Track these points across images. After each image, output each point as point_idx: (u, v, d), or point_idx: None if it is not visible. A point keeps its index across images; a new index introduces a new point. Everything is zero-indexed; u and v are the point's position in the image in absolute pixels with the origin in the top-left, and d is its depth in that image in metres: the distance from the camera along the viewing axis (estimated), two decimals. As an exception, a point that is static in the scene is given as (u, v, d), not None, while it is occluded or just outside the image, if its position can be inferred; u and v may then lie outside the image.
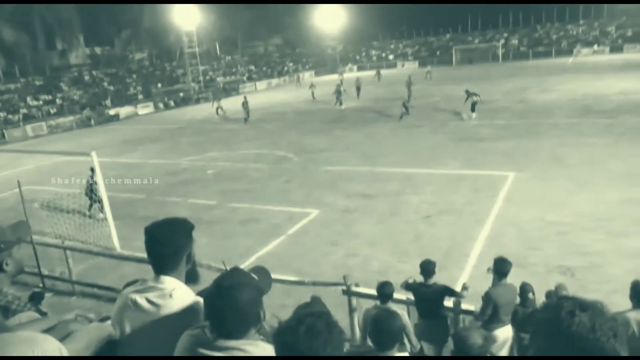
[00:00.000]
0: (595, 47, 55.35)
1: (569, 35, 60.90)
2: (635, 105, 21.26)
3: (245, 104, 28.06)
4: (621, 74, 33.48)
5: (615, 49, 53.56)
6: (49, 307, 7.21)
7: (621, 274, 7.15)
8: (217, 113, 31.40)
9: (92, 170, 12.46)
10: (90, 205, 12.33)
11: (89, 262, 9.28)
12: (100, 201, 12.25)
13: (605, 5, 60.81)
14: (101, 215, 12.34)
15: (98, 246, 9.48)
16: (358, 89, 33.87)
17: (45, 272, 8.87)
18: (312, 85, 37.47)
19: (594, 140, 15.95)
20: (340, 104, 29.76)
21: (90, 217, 11.95)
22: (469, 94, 22.03)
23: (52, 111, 36.90)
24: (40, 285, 8.68)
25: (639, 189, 11.01)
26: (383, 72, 49.10)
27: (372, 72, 48.46)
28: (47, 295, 7.67)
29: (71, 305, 7.91)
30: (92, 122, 35.31)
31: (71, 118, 35.74)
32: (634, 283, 4.39)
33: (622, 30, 57.35)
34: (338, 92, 30.07)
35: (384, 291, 4.96)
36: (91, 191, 12.36)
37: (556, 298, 1.35)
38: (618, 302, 4.61)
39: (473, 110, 21.57)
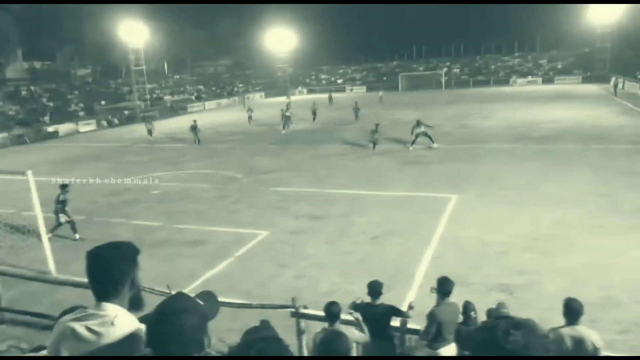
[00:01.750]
0: (530, 77, 59.21)
1: (506, 66, 64.82)
2: (565, 132, 22.81)
3: (194, 128, 26.77)
4: (552, 103, 35.90)
5: (547, 80, 57.50)
6: (-26, 337, 6.67)
7: (556, 291, 7.55)
8: (150, 135, 29.78)
9: (64, 186, 11.92)
10: (56, 227, 11.83)
11: (20, 288, 8.69)
12: (70, 222, 11.86)
13: (538, 40, 65.35)
14: (77, 235, 11.78)
15: (31, 270, 8.90)
16: (314, 112, 33.83)
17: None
18: (249, 109, 36.71)
19: (528, 165, 16.91)
20: (284, 127, 29.28)
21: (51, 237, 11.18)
22: (419, 124, 21.31)
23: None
24: (-35, 313, 8.02)
25: (569, 210, 11.74)
26: (334, 95, 50.04)
27: (325, 96, 49.26)
28: (-28, 324, 7.11)
29: (0, 334, 7.35)
30: (27, 139, 33.53)
31: (5, 134, 33.81)
32: (567, 301, 4.65)
33: (554, 63, 61.78)
34: (284, 117, 29.78)
35: (331, 310, 4.96)
36: (63, 210, 11.79)
37: (495, 317, 1.44)
38: (553, 318, 4.86)
39: (432, 139, 21.07)
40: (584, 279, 8.20)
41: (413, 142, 21.43)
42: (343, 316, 5.13)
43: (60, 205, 11.87)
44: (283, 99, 48.99)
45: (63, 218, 11.92)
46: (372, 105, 40.87)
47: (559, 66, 60.66)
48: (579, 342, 4.40)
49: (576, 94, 41.20)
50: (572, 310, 4.54)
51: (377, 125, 22.27)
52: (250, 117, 35.44)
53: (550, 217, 11.42)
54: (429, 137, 21.29)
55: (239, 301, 6.48)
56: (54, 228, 11.73)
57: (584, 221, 11.02)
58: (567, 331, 4.48)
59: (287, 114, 30.50)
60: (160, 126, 37.06)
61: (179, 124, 34.91)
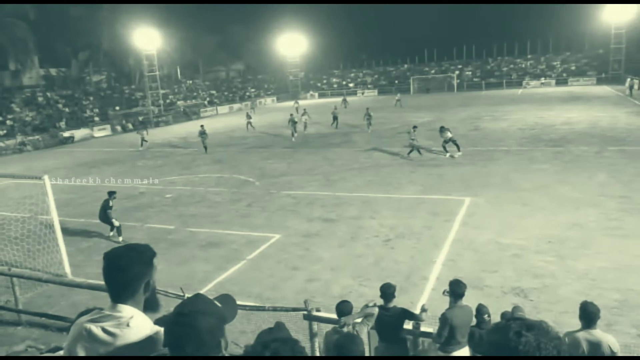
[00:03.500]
0: (543, 79, 58.62)
1: (518, 68, 64.24)
2: (579, 134, 22.52)
3: (202, 134, 25.42)
4: (566, 105, 35.46)
5: (561, 81, 56.84)
6: (-8, 338, 6.78)
7: (571, 294, 7.46)
8: (142, 144, 28.81)
9: (112, 193, 12.21)
10: (118, 230, 12.26)
11: (37, 290, 8.82)
12: (114, 226, 12.24)
13: (551, 41, 64.71)
14: (120, 238, 11.97)
15: (48, 273, 9.03)
16: (335, 117, 31.92)
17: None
18: (247, 116, 34.40)
19: (543, 167, 16.73)
20: (292, 135, 27.97)
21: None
22: (443, 130, 20.12)
23: (1, 132, 35.37)
24: (-17, 315, 8.16)
25: (585, 212, 11.60)
26: (347, 99, 49.83)
27: (339, 99, 49.11)
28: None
29: (17, 335, 7.46)
30: (29, 147, 33.78)
31: (21, 140, 34.40)
32: (583, 304, 4.59)
33: (567, 65, 61.10)
34: (292, 122, 28.28)
35: (341, 309, 4.95)
36: (105, 216, 12.20)
37: (507, 318, 1.44)
38: (569, 322, 4.80)
39: (458, 147, 19.90)
40: (600, 282, 8.09)
41: (447, 150, 19.91)
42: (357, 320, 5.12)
43: (110, 211, 12.23)
44: (292, 103, 48.68)
45: (116, 222, 12.26)
46: (386, 108, 40.69)
47: (573, 68, 59.95)
48: (595, 346, 4.34)
49: (590, 96, 40.67)
50: (588, 314, 4.49)
51: (414, 127, 20.48)
52: (249, 124, 33.44)
53: (566, 219, 11.28)
54: (445, 146, 19.91)
55: (252, 304, 6.50)
56: (118, 231, 12.17)
57: (601, 223, 10.88)
58: (583, 335, 4.42)
59: (304, 119, 30.13)
60: (173, 131, 37.45)
61: (191, 128, 35.16)
